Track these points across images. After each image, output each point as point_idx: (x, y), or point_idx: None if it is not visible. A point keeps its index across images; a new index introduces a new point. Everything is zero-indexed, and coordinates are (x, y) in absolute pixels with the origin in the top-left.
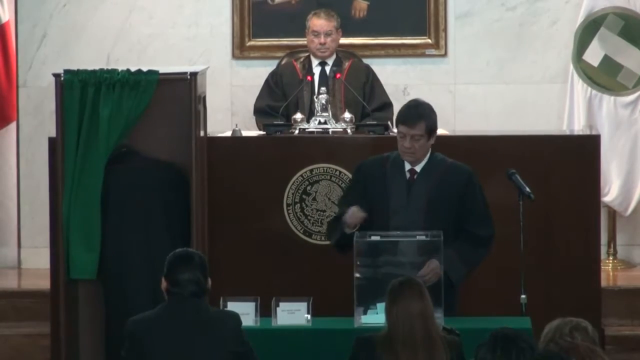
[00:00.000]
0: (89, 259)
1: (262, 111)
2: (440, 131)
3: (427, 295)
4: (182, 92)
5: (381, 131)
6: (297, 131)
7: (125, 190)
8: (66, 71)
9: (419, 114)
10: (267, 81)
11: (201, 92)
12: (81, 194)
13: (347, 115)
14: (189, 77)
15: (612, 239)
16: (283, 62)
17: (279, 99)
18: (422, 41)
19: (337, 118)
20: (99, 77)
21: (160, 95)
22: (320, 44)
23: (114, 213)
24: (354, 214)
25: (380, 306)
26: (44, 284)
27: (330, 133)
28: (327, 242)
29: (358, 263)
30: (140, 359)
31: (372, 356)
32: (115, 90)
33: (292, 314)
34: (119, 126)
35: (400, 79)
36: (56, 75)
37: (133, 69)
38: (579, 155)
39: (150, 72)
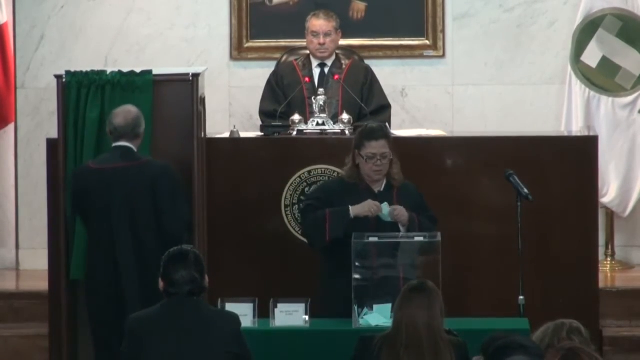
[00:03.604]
0: None
1: (271, 116)
2: (439, 132)
3: (438, 303)
4: (183, 93)
5: None
6: (295, 132)
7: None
8: (67, 72)
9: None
10: (269, 82)
11: (201, 93)
12: None
13: (345, 116)
14: (190, 78)
15: (610, 240)
16: (282, 60)
17: (283, 101)
18: (420, 42)
19: (335, 119)
20: (90, 78)
21: (160, 96)
22: (320, 44)
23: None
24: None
25: (378, 307)
26: (42, 285)
27: (328, 134)
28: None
29: (357, 264)
30: (139, 356)
31: (374, 356)
32: (106, 92)
33: (290, 315)
34: None
35: (399, 80)
36: (58, 77)
37: (127, 70)
38: (577, 156)
39: (143, 72)
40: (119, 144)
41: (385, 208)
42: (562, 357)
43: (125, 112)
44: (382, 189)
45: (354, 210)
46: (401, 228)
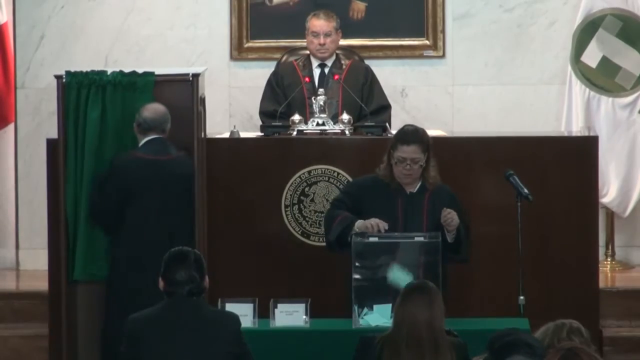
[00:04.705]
0: (95, 260)
1: (271, 116)
2: (439, 132)
3: (439, 303)
4: (183, 93)
5: (379, 132)
6: (295, 132)
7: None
8: (67, 72)
9: None
10: (269, 82)
11: (201, 93)
12: (85, 197)
13: (345, 116)
14: (190, 78)
15: (610, 240)
16: (282, 61)
17: (283, 101)
18: (420, 42)
19: (335, 119)
20: (90, 78)
21: (160, 97)
22: (320, 44)
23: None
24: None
25: (378, 307)
26: (42, 285)
27: (328, 134)
28: (325, 244)
29: (357, 264)
30: (139, 357)
31: (376, 356)
32: (107, 92)
33: (290, 315)
34: (121, 127)
35: (399, 80)
36: (58, 77)
37: (129, 70)
38: (577, 156)
39: (145, 73)
40: (152, 137)
41: (396, 270)
42: (561, 357)
43: (154, 108)
44: (414, 191)
45: (358, 224)
46: (447, 235)
